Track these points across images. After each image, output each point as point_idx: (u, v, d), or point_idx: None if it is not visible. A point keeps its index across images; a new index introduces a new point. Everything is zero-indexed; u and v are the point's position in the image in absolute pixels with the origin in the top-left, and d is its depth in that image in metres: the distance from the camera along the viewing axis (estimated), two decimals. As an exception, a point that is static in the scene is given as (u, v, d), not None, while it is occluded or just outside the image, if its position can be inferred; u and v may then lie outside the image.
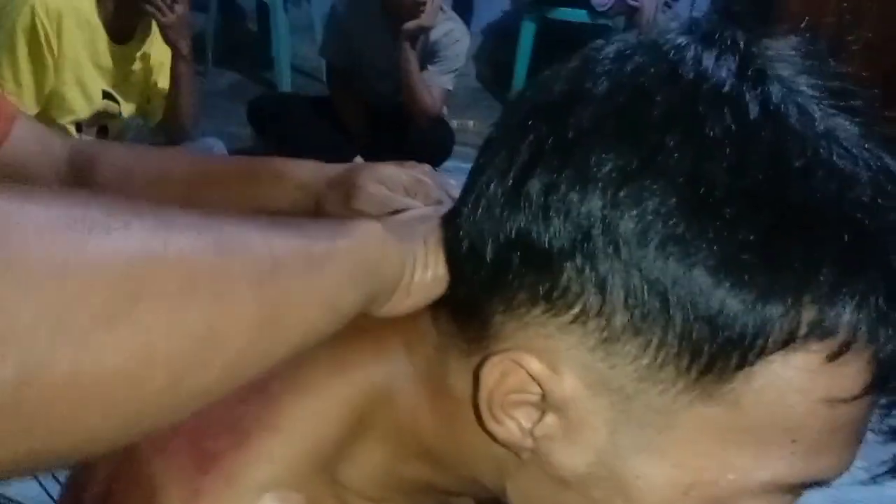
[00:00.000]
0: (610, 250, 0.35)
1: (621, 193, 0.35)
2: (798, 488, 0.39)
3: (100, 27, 2.11)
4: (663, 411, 0.37)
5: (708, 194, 0.34)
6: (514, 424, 0.39)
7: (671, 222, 0.34)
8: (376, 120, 2.99)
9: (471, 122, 3.78)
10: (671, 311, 0.34)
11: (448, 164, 2.95)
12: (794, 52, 0.38)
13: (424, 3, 2.69)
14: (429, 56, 2.91)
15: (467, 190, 0.41)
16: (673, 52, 0.38)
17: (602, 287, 0.35)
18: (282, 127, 2.96)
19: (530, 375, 0.38)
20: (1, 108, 0.70)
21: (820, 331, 0.34)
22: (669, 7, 4.04)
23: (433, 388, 0.44)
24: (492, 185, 0.39)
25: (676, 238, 0.34)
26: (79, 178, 0.69)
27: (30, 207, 0.28)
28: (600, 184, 0.35)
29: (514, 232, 0.38)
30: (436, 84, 2.91)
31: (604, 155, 0.35)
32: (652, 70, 0.37)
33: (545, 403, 0.39)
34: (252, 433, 0.42)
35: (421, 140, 2.84)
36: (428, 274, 0.42)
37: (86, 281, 0.27)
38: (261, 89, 3.87)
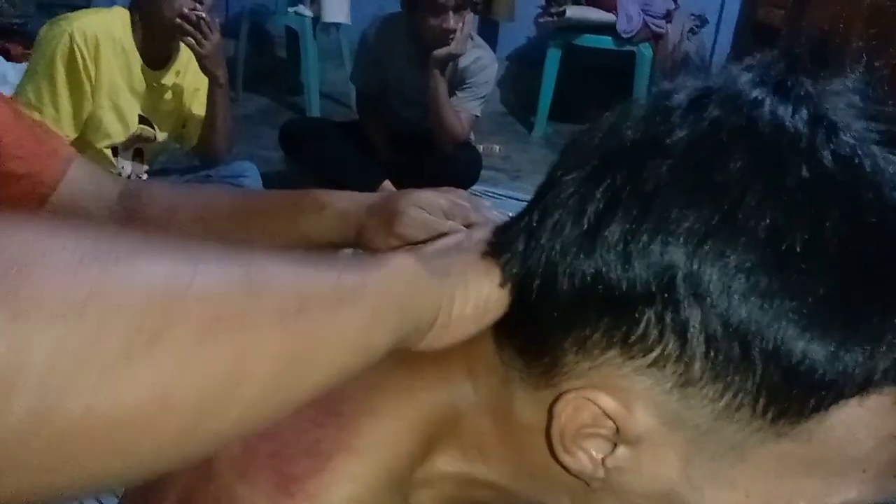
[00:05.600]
0: (692, 299, 0.35)
1: (704, 247, 0.35)
2: None
3: (135, 53, 2.16)
4: (736, 447, 0.38)
5: (788, 251, 0.35)
6: (585, 456, 0.40)
7: (753, 277, 0.35)
8: (404, 145, 3.01)
9: (496, 147, 3.81)
10: (752, 359, 0.35)
11: (475, 188, 2.98)
12: (855, 96, 0.38)
13: (454, 31, 2.73)
14: (458, 83, 2.93)
15: (534, 229, 0.41)
16: (749, 106, 0.38)
17: (682, 334, 0.36)
18: (312, 151, 2.99)
19: (604, 412, 0.39)
20: (59, 151, 0.75)
21: (894, 375, 0.35)
22: (694, 34, 4.05)
23: (499, 416, 0.44)
24: (566, 228, 0.39)
25: (759, 291, 0.35)
26: (128, 215, 0.73)
27: (56, 240, 0.27)
28: (682, 237, 0.36)
29: (591, 275, 0.38)
30: (464, 110, 2.93)
31: (684, 209, 0.36)
32: (730, 124, 0.37)
33: (617, 437, 0.39)
34: (332, 455, 0.42)
35: (449, 165, 2.86)
36: (468, 308, 0.41)
37: (105, 318, 0.27)
38: (290, 114, 3.92)
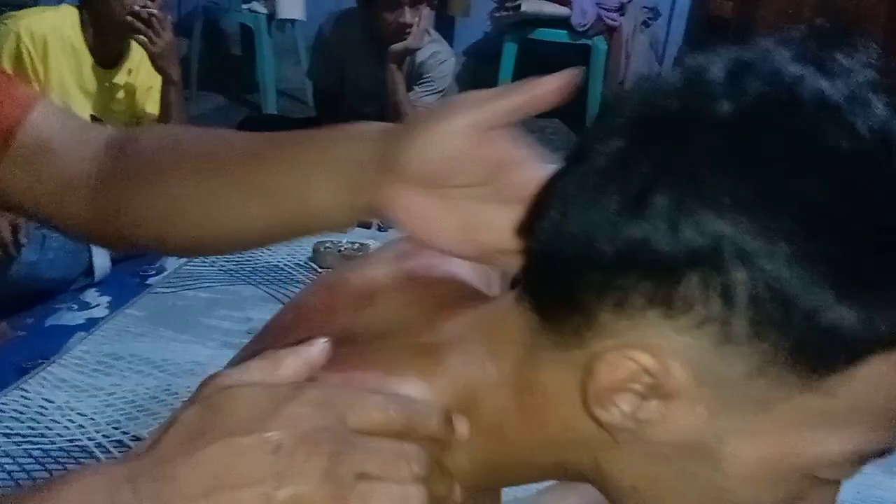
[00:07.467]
0: (737, 264, 0.37)
1: (750, 215, 0.37)
2: (871, 455, 0.42)
3: (85, 52, 2.12)
4: (763, 400, 0.40)
5: (830, 221, 0.37)
6: (617, 410, 0.41)
7: (795, 244, 0.37)
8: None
9: (455, 142, 3.80)
10: (791, 321, 0.37)
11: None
12: (870, 71, 0.40)
13: (410, 26, 2.72)
14: (415, 77, 2.93)
15: (568, 194, 0.42)
16: (792, 81, 0.39)
17: (726, 297, 0.38)
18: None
19: (643, 369, 0.40)
20: (14, 95, 0.70)
21: None
22: (647, 26, 4.09)
23: (520, 387, 0.45)
24: (607, 191, 0.40)
25: (801, 256, 0.36)
26: (118, 155, 0.67)
27: None
28: (729, 205, 0.37)
29: (634, 239, 0.39)
30: (422, 105, 2.93)
31: (732, 179, 0.38)
32: (774, 99, 0.39)
33: (651, 392, 0.40)
34: None
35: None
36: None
37: None
38: (246, 112, 3.88)
